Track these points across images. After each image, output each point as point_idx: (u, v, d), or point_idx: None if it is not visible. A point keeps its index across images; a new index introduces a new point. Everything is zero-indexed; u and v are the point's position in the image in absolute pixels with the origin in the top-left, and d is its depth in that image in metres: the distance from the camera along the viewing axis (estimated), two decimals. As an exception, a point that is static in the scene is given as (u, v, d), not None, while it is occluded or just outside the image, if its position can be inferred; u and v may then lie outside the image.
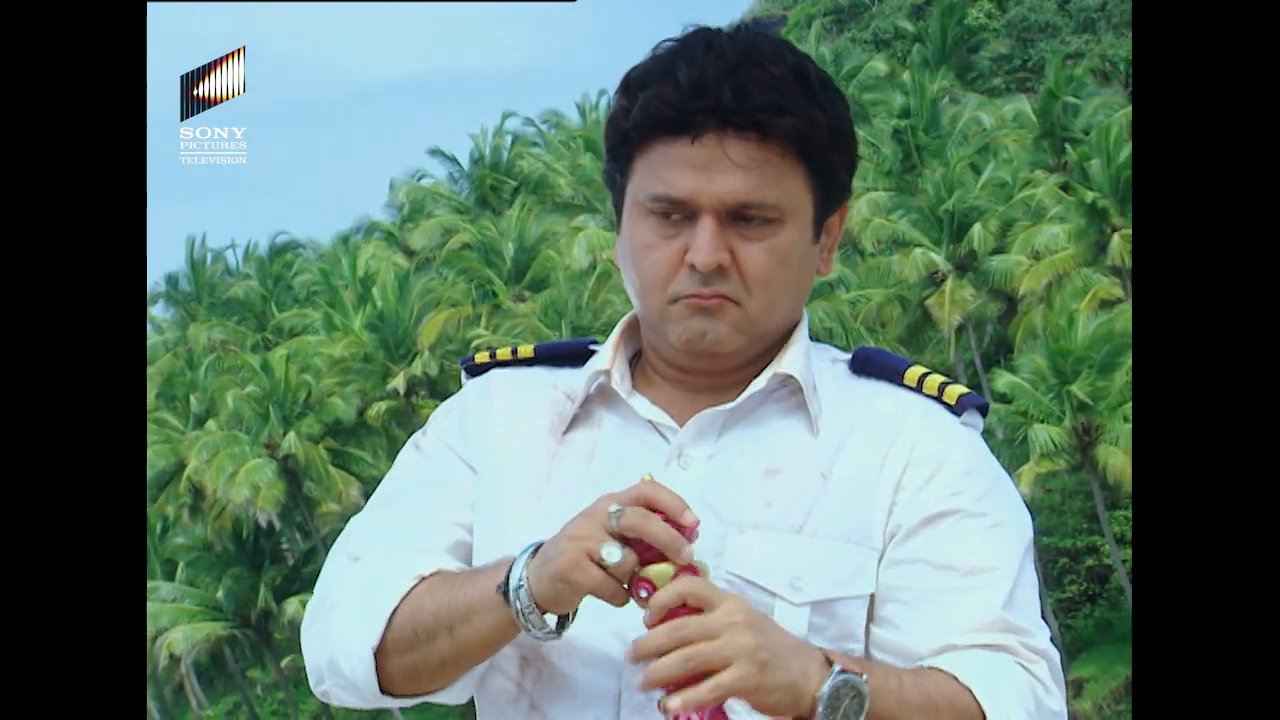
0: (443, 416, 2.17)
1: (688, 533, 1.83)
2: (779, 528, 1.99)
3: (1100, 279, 38.49)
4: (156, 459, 45.42)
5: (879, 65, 56.18)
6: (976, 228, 40.46)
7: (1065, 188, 41.53)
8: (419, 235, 53.52)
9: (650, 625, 1.82)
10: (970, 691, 1.91)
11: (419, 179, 57.01)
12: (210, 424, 45.89)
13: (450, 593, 1.96)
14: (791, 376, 2.05)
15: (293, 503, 43.97)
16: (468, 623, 1.93)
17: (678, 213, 1.99)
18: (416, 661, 1.97)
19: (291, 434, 42.87)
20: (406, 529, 2.08)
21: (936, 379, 2.09)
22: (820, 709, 1.83)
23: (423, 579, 2.00)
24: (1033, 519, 2.10)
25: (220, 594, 42.14)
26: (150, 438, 46.05)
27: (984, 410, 2.11)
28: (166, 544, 43.87)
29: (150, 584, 42.02)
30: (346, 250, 54.40)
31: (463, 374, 2.21)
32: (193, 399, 47.96)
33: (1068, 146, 43.35)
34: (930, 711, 1.90)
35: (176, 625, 41.31)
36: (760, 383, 2.04)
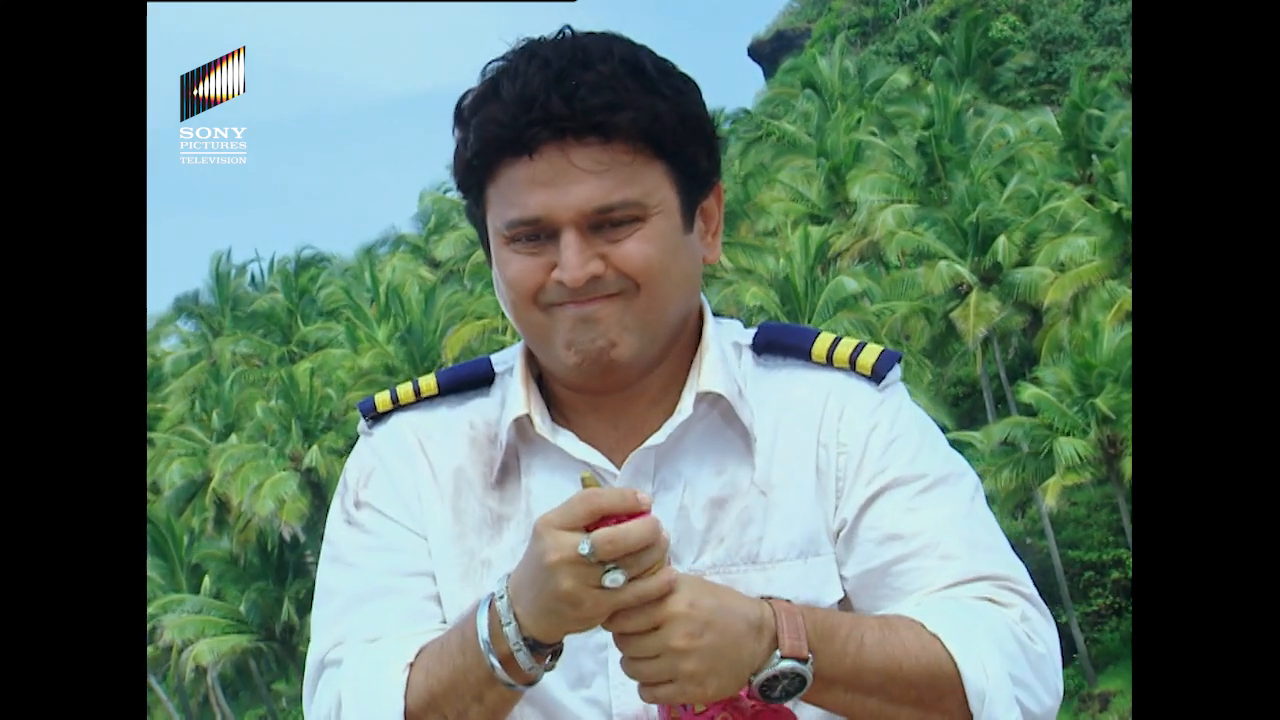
0: (366, 483, 2.04)
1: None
2: (737, 562, 1.95)
3: (1126, 291, 38.35)
4: (184, 470, 45.56)
5: (903, 78, 56.16)
6: (1001, 240, 40.39)
7: (1091, 200, 41.44)
8: (444, 247, 53.69)
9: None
10: (938, 639, 1.85)
11: (444, 191, 57.12)
12: (233, 437, 46.02)
13: (454, 669, 1.85)
14: (715, 393, 1.97)
15: (318, 516, 44.02)
16: (494, 688, 1.84)
17: (538, 233, 1.90)
18: None
19: (315, 448, 42.95)
20: (382, 621, 1.96)
21: (846, 348, 2.01)
22: (754, 690, 1.81)
23: (411, 665, 1.89)
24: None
25: (244, 607, 42.19)
26: (176, 450, 46.19)
27: (899, 360, 2.03)
28: (193, 554, 43.93)
29: (175, 596, 42.12)
30: (371, 263, 54.52)
31: (362, 421, 2.08)
32: (214, 413, 48.08)
33: (1093, 158, 43.26)
34: (890, 670, 1.84)
35: (202, 637, 41.38)
36: (686, 409, 1.96)
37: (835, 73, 54.36)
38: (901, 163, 45.24)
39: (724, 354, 2.01)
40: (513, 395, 2.00)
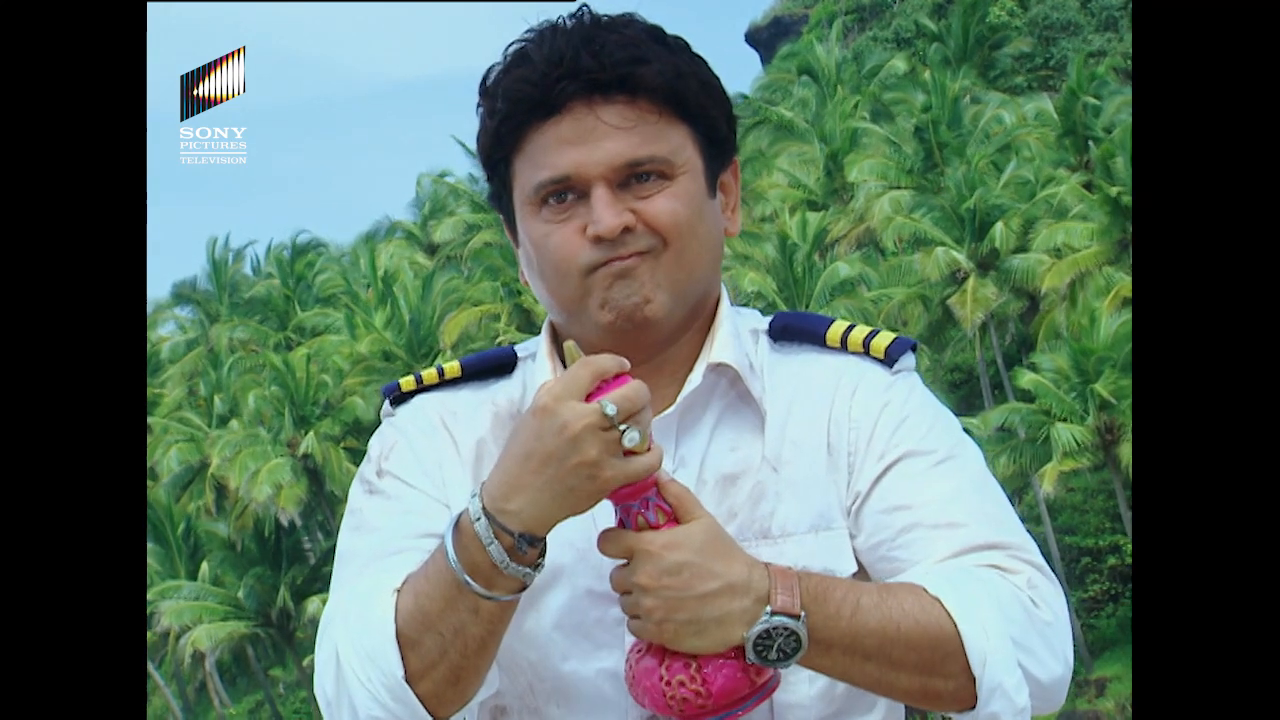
0: (388, 455, 2.05)
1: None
2: (749, 536, 1.97)
3: (1123, 277, 38.36)
4: (181, 456, 45.56)
5: (900, 64, 56.08)
6: (998, 226, 40.36)
7: (1088, 186, 41.41)
8: (441, 231, 53.65)
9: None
10: (940, 602, 1.85)
11: (442, 176, 57.06)
12: (233, 423, 46.00)
13: (445, 584, 1.84)
14: (725, 364, 2.02)
15: (315, 502, 44.06)
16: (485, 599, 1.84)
17: (568, 193, 1.94)
18: (455, 659, 1.85)
19: (311, 434, 42.93)
20: (395, 576, 1.92)
21: (860, 333, 2.05)
22: (749, 651, 1.82)
23: (398, 591, 1.88)
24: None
25: (241, 593, 42.20)
26: (173, 436, 46.19)
27: (914, 348, 2.06)
28: (190, 540, 43.93)
29: (173, 583, 42.12)
30: (371, 250, 54.49)
31: (385, 404, 2.11)
32: (217, 398, 48.08)
33: (1090, 144, 43.21)
34: (889, 633, 1.84)
35: (199, 623, 41.39)
36: (695, 378, 2.00)
37: (832, 59, 54.27)
38: (898, 149, 45.20)
39: (737, 331, 2.05)
40: (540, 371, 2.04)
